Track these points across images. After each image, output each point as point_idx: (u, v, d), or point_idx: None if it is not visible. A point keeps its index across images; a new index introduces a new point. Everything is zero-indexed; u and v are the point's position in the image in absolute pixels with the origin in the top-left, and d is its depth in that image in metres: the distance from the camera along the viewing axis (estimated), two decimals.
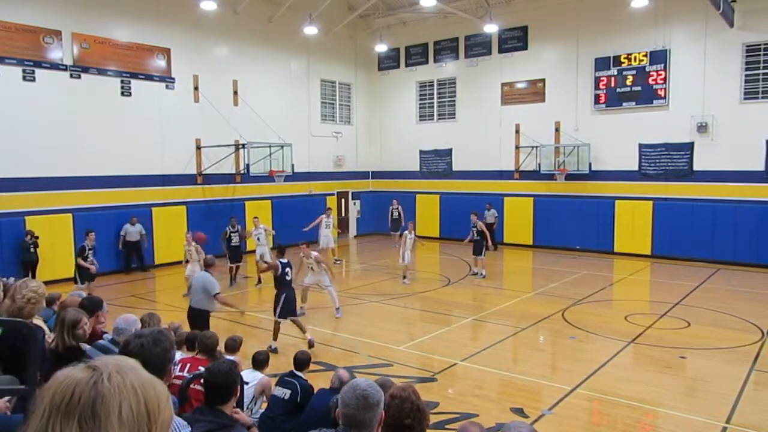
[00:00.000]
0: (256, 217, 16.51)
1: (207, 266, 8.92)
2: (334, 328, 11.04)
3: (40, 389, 1.15)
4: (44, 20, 15.16)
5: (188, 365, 5.27)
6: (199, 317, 8.31)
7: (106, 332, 5.09)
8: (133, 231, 16.42)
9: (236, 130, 19.15)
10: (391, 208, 21.22)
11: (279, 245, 10.57)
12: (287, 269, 9.55)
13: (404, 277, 15.08)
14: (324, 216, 17.92)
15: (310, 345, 9.22)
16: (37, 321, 4.65)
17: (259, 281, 14.93)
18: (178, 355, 5.49)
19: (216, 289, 8.43)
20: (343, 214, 24.63)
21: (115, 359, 1.19)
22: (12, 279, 5.99)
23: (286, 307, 9.45)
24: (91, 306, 5.02)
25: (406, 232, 15.22)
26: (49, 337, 4.66)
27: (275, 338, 9.52)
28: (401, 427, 2.69)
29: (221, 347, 6.04)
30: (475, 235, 15.48)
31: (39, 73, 15.11)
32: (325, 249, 17.48)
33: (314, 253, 11.39)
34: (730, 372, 8.45)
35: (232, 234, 15.18)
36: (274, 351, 9.11)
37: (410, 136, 24.46)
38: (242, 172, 19.67)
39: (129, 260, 16.71)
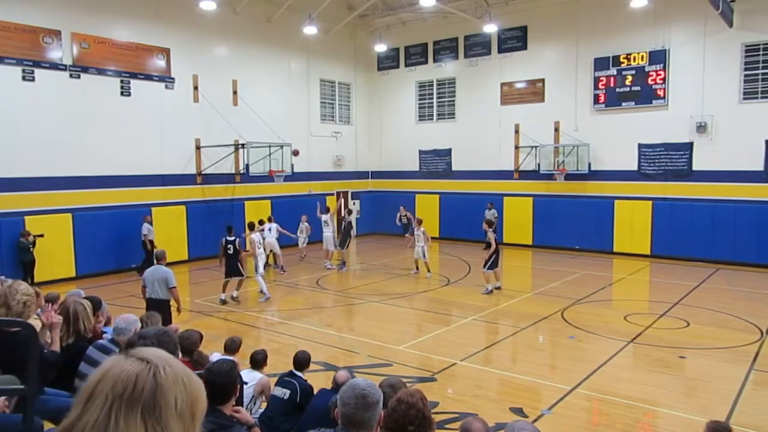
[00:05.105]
0: (265, 220, 17.39)
1: (158, 260, 9.25)
2: (334, 329, 11.05)
3: (88, 378, 1.18)
4: (44, 20, 15.14)
5: None
6: (160, 307, 8.39)
7: (105, 332, 5.10)
8: (152, 229, 16.24)
9: (236, 130, 19.14)
10: (398, 214, 20.89)
11: (228, 226, 13.44)
12: (229, 246, 12.66)
13: (417, 269, 16.36)
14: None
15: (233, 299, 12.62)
16: (36, 321, 4.65)
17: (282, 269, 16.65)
18: None
19: (174, 283, 8.95)
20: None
21: (159, 352, 1.23)
22: (10, 280, 5.97)
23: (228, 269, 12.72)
24: (91, 306, 5.02)
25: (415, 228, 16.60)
26: (48, 337, 4.66)
27: (223, 291, 12.72)
28: None
29: (220, 347, 6.03)
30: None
31: (38, 73, 15.10)
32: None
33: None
34: (730, 372, 8.47)
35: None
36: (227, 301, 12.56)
37: (410, 136, 24.46)
38: (242, 172, 19.66)
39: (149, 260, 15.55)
